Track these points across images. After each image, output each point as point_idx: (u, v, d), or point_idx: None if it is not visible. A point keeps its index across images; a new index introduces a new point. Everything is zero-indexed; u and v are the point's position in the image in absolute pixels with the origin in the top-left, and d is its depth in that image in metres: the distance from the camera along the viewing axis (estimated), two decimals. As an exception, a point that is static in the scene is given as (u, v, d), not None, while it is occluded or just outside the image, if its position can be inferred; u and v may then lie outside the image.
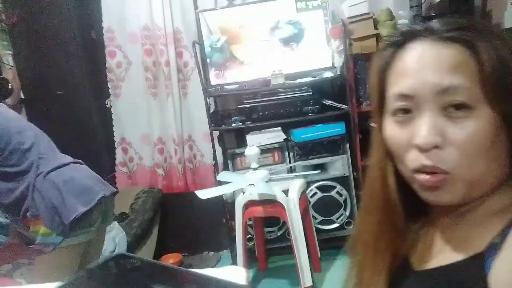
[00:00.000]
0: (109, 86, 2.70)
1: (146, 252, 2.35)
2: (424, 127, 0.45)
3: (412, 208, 0.54)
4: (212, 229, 2.71)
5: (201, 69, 2.39)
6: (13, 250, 1.74)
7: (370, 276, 0.55)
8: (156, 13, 2.53)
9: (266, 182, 2.05)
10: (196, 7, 2.51)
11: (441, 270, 0.48)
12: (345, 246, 0.63)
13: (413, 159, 0.46)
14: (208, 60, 2.43)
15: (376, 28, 2.19)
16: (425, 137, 0.44)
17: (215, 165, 2.54)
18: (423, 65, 0.46)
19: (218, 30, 2.41)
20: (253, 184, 2.04)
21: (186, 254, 2.75)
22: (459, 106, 0.44)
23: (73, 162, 1.40)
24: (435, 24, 0.47)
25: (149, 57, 2.64)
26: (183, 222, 2.74)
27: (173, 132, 2.70)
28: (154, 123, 2.72)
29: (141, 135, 2.76)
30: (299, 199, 2.02)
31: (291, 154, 2.41)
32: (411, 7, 2.20)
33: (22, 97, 2.55)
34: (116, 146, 2.77)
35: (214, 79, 2.45)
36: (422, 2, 2.21)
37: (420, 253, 0.53)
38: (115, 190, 1.48)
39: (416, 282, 0.51)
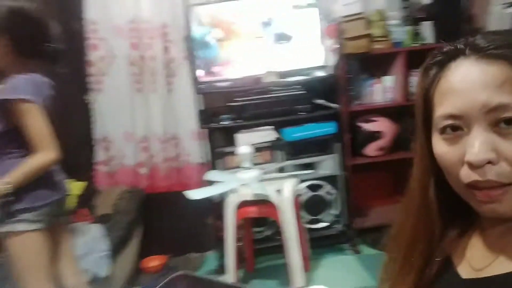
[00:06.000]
0: (90, 80, 2.56)
1: (130, 254, 2.24)
2: (475, 144, 0.45)
3: (449, 213, 0.56)
4: (196, 229, 2.64)
5: (192, 65, 2.32)
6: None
7: (399, 274, 0.58)
8: (144, 6, 2.45)
9: (259, 181, 2.01)
10: (186, 0, 2.44)
11: (500, 279, 0.48)
12: (382, 242, 0.64)
13: (466, 175, 0.46)
14: (197, 56, 2.36)
15: (368, 28, 2.20)
16: (477, 154, 0.44)
17: (203, 164, 2.47)
18: (470, 84, 0.46)
19: (209, 26, 2.35)
20: (245, 184, 1.99)
21: (171, 255, 2.66)
22: (510, 121, 0.44)
23: None
24: (478, 41, 0.47)
25: (135, 51, 2.53)
26: (166, 223, 2.65)
27: (157, 130, 2.61)
28: (138, 120, 2.61)
29: (124, 132, 2.64)
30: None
31: (280, 153, 2.38)
32: (402, 7, 2.24)
33: None
34: (96, 144, 2.63)
35: (203, 76, 2.39)
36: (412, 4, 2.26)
37: (469, 261, 0.53)
38: None
39: None
